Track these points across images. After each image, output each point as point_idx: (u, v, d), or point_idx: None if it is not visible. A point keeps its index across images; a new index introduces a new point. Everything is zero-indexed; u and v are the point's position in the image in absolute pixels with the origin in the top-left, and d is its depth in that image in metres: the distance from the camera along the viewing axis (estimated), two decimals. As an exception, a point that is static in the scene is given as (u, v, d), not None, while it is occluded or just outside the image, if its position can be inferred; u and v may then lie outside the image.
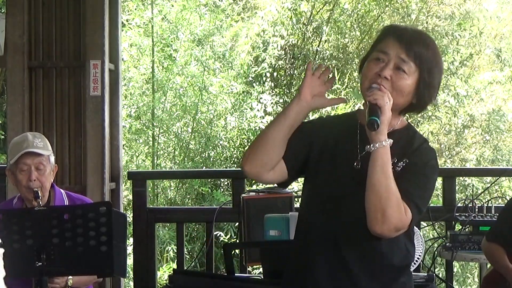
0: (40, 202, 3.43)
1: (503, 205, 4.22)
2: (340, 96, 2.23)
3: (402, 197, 2.22)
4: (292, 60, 10.65)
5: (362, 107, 2.37)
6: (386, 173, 2.20)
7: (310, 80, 2.35)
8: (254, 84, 10.35)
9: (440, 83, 2.39)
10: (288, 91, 10.59)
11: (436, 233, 5.04)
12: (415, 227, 3.62)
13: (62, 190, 3.71)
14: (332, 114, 2.60)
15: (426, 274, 3.87)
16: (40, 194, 3.46)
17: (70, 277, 3.39)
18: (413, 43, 2.31)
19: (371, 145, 2.22)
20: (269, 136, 2.34)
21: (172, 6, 10.12)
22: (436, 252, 4.68)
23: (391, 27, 2.43)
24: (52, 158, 3.61)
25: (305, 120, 2.44)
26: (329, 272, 2.33)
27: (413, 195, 2.25)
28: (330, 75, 2.39)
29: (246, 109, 10.08)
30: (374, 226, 2.21)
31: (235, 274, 3.68)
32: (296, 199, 4.31)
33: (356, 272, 2.31)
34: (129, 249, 5.72)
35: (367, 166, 2.24)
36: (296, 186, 6.34)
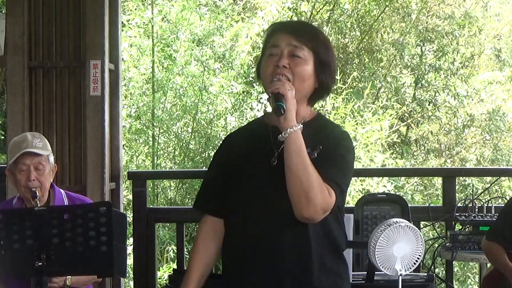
0: (38, 202, 3.43)
1: (503, 205, 4.22)
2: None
3: (323, 179, 2.25)
4: (292, 60, 10.63)
5: (270, 111, 2.41)
6: (302, 156, 2.24)
7: None
8: (254, 84, 10.35)
9: (336, 66, 2.47)
10: (288, 91, 10.57)
11: (436, 233, 5.04)
12: (415, 227, 3.63)
13: (62, 190, 3.71)
14: (237, 128, 2.71)
15: (426, 274, 3.87)
16: (38, 194, 3.46)
17: (69, 276, 3.39)
18: (300, 29, 2.40)
19: (282, 133, 2.25)
20: None
21: (172, 6, 10.12)
22: (436, 252, 4.68)
23: (273, 24, 2.54)
24: (52, 158, 3.61)
25: (214, 156, 2.55)
26: (262, 267, 2.35)
27: (333, 175, 2.28)
28: None
29: (246, 109, 10.08)
30: (300, 211, 2.24)
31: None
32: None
33: (288, 262, 2.33)
34: (129, 249, 5.71)
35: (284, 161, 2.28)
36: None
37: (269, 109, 2.40)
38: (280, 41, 2.36)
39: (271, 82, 2.31)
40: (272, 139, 2.35)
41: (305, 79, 2.35)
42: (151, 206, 6.65)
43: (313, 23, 10.55)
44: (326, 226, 2.35)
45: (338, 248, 2.41)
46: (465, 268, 9.32)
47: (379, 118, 9.50)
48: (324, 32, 2.52)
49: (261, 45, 9.36)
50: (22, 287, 3.40)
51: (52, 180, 3.63)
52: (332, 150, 2.33)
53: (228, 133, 10.13)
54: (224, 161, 2.47)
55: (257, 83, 10.34)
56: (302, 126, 2.26)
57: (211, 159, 2.60)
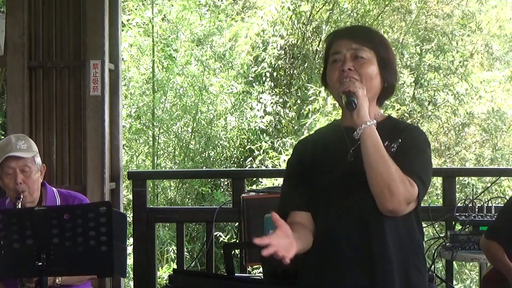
0: (20, 204, 3.42)
1: (503, 204, 4.22)
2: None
3: (404, 171, 2.27)
4: (292, 60, 10.65)
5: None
6: (379, 150, 2.27)
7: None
8: (254, 84, 10.36)
9: (396, 63, 2.52)
10: (288, 90, 10.59)
11: (436, 233, 5.03)
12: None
13: (54, 188, 3.70)
14: (311, 133, 2.76)
15: (426, 274, 3.86)
16: (22, 197, 3.46)
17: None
18: (357, 32, 2.47)
19: (357, 129, 2.29)
20: None
21: (172, 5, 10.13)
22: (436, 252, 4.67)
23: (332, 32, 2.58)
24: (38, 159, 3.60)
25: (288, 165, 2.56)
26: (347, 259, 2.35)
27: (414, 167, 2.31)
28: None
29: (246, 109, 10.09)
30: (384, 204, 2.26)
31: (235, 274, 3.68)
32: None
33: (371, 254, 2.34)
34: (129, 249, 5.71)
35: (361, 157, 2.30)
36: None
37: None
38: (341, 47, 2.42)
39: (340, 85, 2.37)
40: (346, 138, 2.40)
41: (372, 78, 2.40)
42: (151, 206, 6.65)
43: (312, 22, 10.56)
44: (407, 220, 2.39)
45: (417, 243, 2.44)
46: (465, 268, 9.32)
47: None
48: (376, 29, 2.58)
49: (261, 45, 9.31)
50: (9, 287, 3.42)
51: (41, 180, 3.62)
52: (411, 144, 2.37)
53: (229, 132, 10.11)
54: (298, 167, 2.49)
55: (257, 83, 10.35)
56: (375, 121, 2.31)
57: (286, 168, 2.60)
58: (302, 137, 3.00)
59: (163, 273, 8.18)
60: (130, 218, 4.99)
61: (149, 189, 8.58)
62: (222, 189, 9.69)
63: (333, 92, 2.45)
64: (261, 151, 9.64)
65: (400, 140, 2.37)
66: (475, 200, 4.57)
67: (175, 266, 5.50)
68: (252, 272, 6.57)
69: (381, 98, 2.49)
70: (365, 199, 2.29)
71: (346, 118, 2.41)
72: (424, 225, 5.17)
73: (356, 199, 2.34)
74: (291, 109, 10.31)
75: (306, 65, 10.60)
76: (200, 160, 9.82)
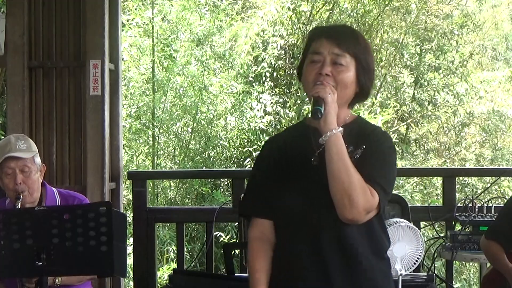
0: (19, 204, 3.43)
1: (503, 204, 4.22)
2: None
3: (365, 180, 2.27)
4: (292, 60, 10.65)
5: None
6: (343, 159, 2.26)
7: None
8: (254, 84, 10.36)
9: (374, 67, 2.48)
10: (287, 90, 10.59)
11: (436, 233, 5.04)
12: (415, 227, 3.63)
13: (54, 189, 3.70)
14: (277, 133, 2.82)
15: (426, 274, 3.88)
16: (22, 197, 3.46)
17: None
18: (341, 36, 2.41)
19: (323, 136, 2.28)
20: None
21: (172, 5, 10.13)
22: (436, 252, 4.68)
23: (316, 28, 2.53)
24: (38, 159, 3.60)
25: (256, 161, 2.58)
26: (309, 266, 2.36)
27: (375, 176, 2.30)
28: None
29: (246, 109, 10.09)
30: (343, 212, 2.25)
31: (235, 274, 3.69)
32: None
33: (334, 260, 2.34)
34: (129, 249, 5.71)
35: (325, 161, 2.29)
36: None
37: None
38: (322, 48, 2.38)
39: (313, 86, 2.34)
40: (313, 139, 2.38)
41: (347, 86, 2.37)
42: (151, 206, 6.65)
43: (312, 22, 10.56)
44: (370, 226, 2.37)
45: (381, 248, 2.43)
46: (465, 268, 9.32)
47: (374, 117, 9.50)
48: (362, 34, 2.54)
49: (261, 45, 9.31)
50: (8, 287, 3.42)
51: (41, 180, 3.62)
52: (374, 151, 2.36)
53: (229, 132, 10.09)
54: (266, 164, 2.49)
55: (257, 83, 10.35)
56: (342, 129, 2.29)
57: (253, 164, 2.61)
58: (234, 129, 3.00)
59: (163, 273, 8.18)
60: (130, 218, 4.99)
61: (149, 189, 8.58)
62: (222, 189, 9.69)
63: (306, 90, 2.43)
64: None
65: (364, 147, 2.35)
66: (475, 200, 4.58)
67: (175, 266, 5.51)
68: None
69: (354, 102, 2.47)
70: (326, 205, 2.28)
71: (315, 120, 2.37)
72: (424, 224, 5.19)
73: (317, 204, 2.33)
74: (291, 109, 10.31)
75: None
76: (200, 160, 9.82)
